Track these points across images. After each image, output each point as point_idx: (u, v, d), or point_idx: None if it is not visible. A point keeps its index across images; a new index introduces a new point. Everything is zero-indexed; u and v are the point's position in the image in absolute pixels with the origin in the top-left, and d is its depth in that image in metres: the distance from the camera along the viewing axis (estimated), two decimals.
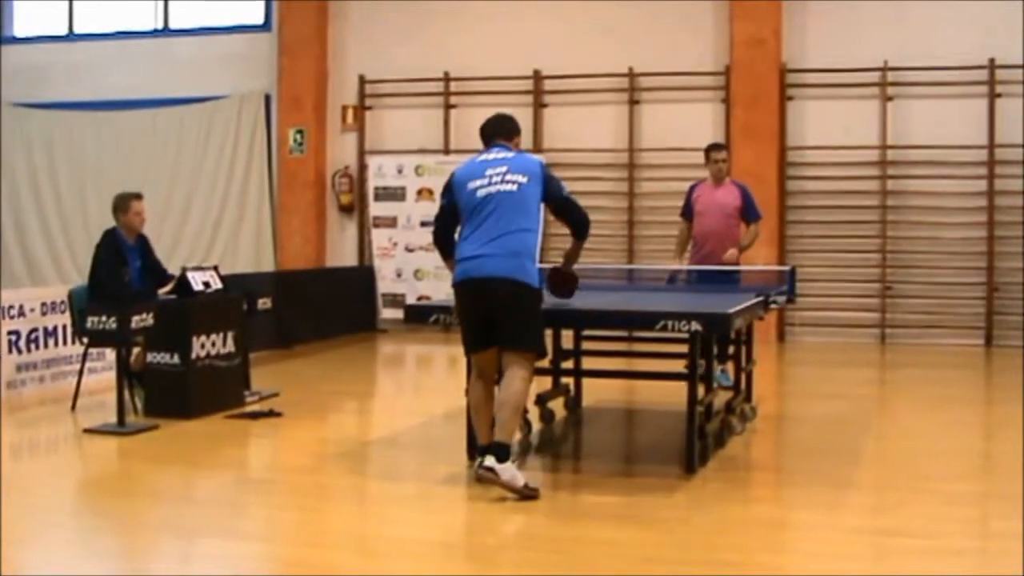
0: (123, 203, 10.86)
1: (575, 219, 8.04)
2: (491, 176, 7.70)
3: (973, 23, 16.38)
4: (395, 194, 18.19)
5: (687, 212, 12.32)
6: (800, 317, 16.84)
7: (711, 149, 12.26)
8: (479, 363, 7.86)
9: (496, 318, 7.59)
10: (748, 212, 12.14)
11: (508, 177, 7.67)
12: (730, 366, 10.30)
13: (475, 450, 8.00)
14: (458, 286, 7.75)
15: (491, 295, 7.55)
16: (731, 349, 10.20)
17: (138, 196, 10.98)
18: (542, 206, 7.83)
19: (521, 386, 7.57)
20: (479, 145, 8.12)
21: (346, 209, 19.20)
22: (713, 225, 12.01)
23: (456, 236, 7.92)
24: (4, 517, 7.00)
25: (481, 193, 7.67)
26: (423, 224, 17.82)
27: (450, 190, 7.92)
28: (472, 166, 7.87)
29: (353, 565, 6.23)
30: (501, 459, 7.34)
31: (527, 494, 7.31)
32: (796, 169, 17.24)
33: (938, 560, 6.25)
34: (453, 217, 7.91)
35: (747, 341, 10.23)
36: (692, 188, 12.38)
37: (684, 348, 8.42)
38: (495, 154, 7.90)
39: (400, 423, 10.55)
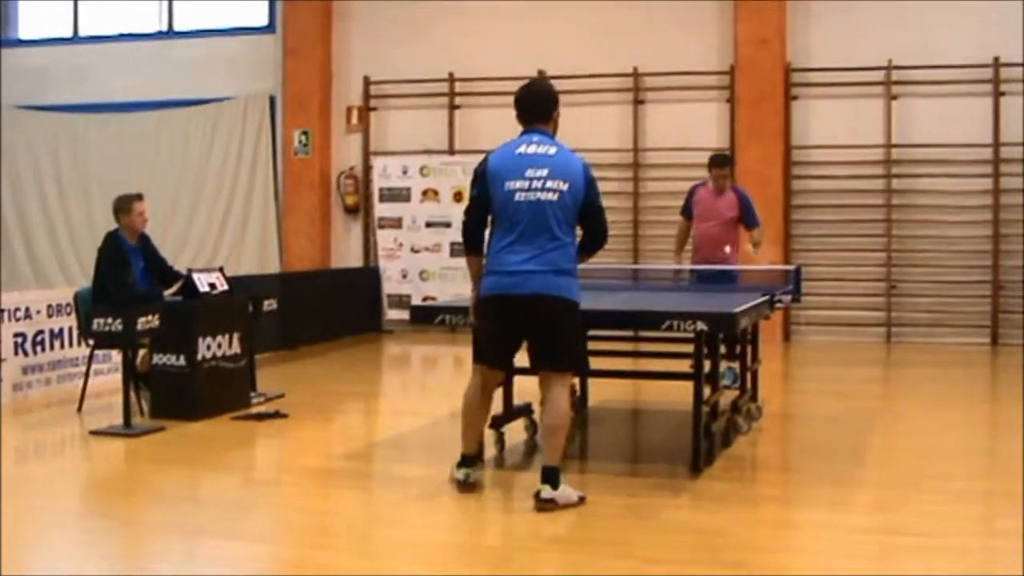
0: (125, 204, 10.85)
1: (595, 232, 7.51)
2: (531, 179, 7.20)
3: (977, 22, 16.37)
4: (400, 195, 18.19)
5: (687, 211, 12.47)
6: (806, 316, 16.85)
7: (712, 164, 12.32)
8: (488, 375, 7.66)
9: (540, 338, 7.33)
10: (747, 219, 12.23)
11: (549, 184, 7.19)
12: (735, 365, 10.32)
13: (464, 456, 7.72)
14: (494, 299, 7.34)
15: (537, 314, 7.21)
16: (736, 348, 10.21)
17: (139, 197, 10.97)
18: None
19: (567, 406, 7.44)
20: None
21: (351, 210, 19.20)
22: (711, 231, 12.16)
23: (487, 234, 7.51)
24: (11, 519, 7.02)
25: (520, 198, 7.20)
26: (428, 225, 17.87)
27: (483, 180, 7.38)
28: (510, 159, 7.34)
29: (358, 566, 6.23)
30: (555, 485, 7.16)
31: (582, 502, 7.25)
32: (801, 168, 17.24)
33: (943, 559, 6.25)
34: (486, 209, 7.38)
35: (753, 340, 10.23)
36: (694, 189, 12.53)
37: (690, 348, 8.40)
38: (535, 147, 7.34)
39: (406, 424, 10.56)
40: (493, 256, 7.36)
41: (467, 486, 7.59)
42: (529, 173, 7.24)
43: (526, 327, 7.33)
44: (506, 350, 7.56)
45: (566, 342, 7.36)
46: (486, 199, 7.36)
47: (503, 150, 7.45)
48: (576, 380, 10.56)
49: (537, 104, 7.56)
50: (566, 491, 7.20)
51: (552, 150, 7.34)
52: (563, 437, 7.37)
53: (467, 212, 7.57)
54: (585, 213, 7.37)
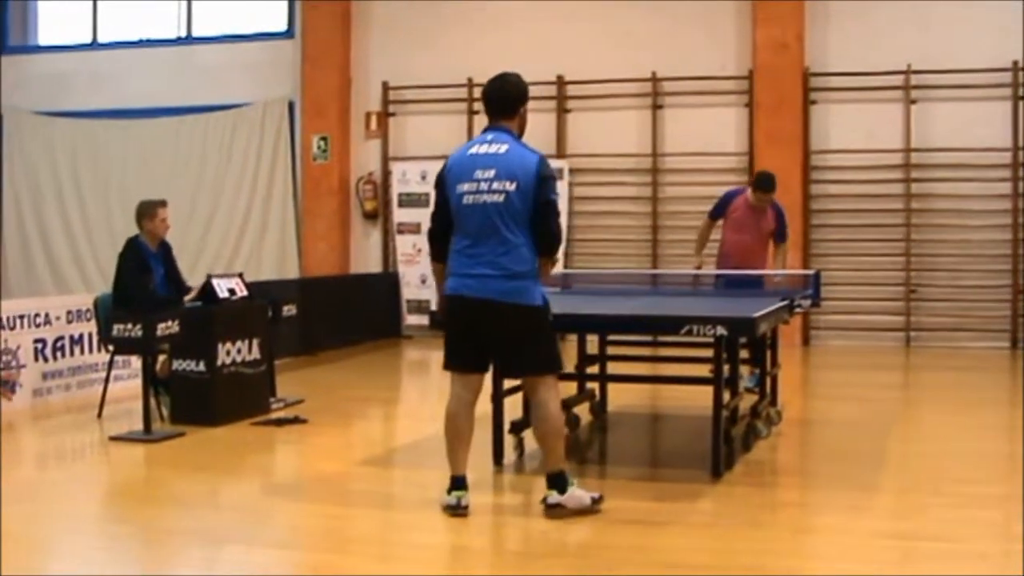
0: (149, 210, 10.90)
1: (545, 229, 7.10)
2: (479, 181, 7.00)
3: (996, 26, 16.33)
4: (419, 200, 18.16)
5: (716, 214, 12.33)
6: (825, 321, 16.82)
7: (759, 188, 12.00)
8: (463, 384, 7.29)
9: (504, 347, 7.15)
10: (779, 234, 12.15)
11: (495, 185, 6.97)
12: (758, 370, 10.32)
13: (455, 479, 7.25)
14: (452, 300, 7.18)
15: (494, 322, 7.05)
16: (758, 353, 10.20)
17: (163, 203, 11.02)
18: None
19: (556, 409, 7.25)
20: None
21: (370, 215, 19.23)
22: (745, 243, 11.97)
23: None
24: (31, 523, 7.06)
25: (468, 200, 7.04)
26: None
27: (442, 184, 7.25)
28: (463, 161, 7.16)
29: (378, 571, 6.24)
30: (562, 490, 7.07)
31: (597, 504, 7.17)
32: (820, 173, 17.21)
33: (962, 563, 6.24)
34: (448, 213, 7.20)
35: (772, 345, 10.22)
36: (731, 196, 12.31)
37: (710, 352, 8.39)
38: (487, 147, 7.11)
39: (425, 429, 10.51)
40: (452, 259, 7.22)
41: (460, 510, 7.15)
42: (478, 174, 7.05)
43: (485, 332, 7.14)
44: (467, 351, 7.25)
45: (527, 347, 7.14)
46: (447, 204, 7.23)
47: (459, 152, 7.31)
48: (596, 385, 10.59)
49: (501, 99, 7.31)
50: (576, 494, 7.12)
51: (503, 148, 7.10)
52: (558, 441, 7.24)
53: (432, 217, 7.42)
54: (536, 209, 7.03)
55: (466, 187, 7.07)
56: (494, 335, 7.12)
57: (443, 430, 7.34)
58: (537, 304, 7.10)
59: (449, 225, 7.23)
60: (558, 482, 7.11)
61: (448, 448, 7.31)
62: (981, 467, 8.87)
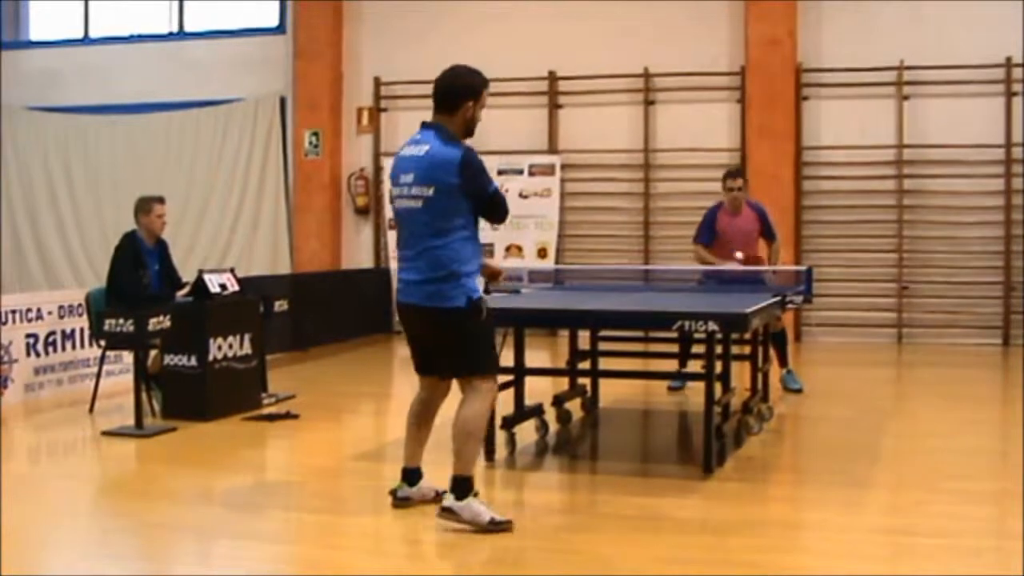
0: (145, 205, 10.92)
1: (496, 216, 6.96)
2: (404, 185, 6.81)
3: (989, 22, 16.33)
4: None
5: (706, 237, 11.99)
6: (817, 317, 16.83)
7: (726, 176, 11.93)
8: (425, 385, 7.27)
9: (431, 349, 7.03)
10: (767, 233, 12.05)
11: (414, 191, 6.73)
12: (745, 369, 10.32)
13: (403, 470, 7.40)
14: (398, 306, 7.10)
15: (420, 326, 6.96)
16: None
17: (161, 200, 11.06)
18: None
19: (470, 412, 6.89)
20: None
21: (362, 211, 19.20)
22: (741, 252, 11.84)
23: None
24: (23, 519, 7.04)
25: (397, 205, 6.90)
26: None
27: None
28: (397, 163, 6.98)
29: (370, 566, 6.24)
30: (459, 496, 6.72)
31: (497, 529, 6.68)
32: (812, 169, 17.22)
33: (955, 560, 6.24)
34: None
35: (764, 341, 10.22)
36: (712, 213, 12.03)
37: (701, 348, 8.38)
38: (414, 148, 6.88)
39: None
40: None
41: (398, 501, 7.24)
42: (402, 179, 6.84)
43: (418, 336, 7.07)
44: (419, 355, 7.18)
45: (452, 350, 6.90)
46: None
47: (400, 150, 7.05)
48: (587, 381, 10.58)
49: (442, 92, 6.99)
50: (472, 506, 6.74)
51: (424, 149, 6.81)
52: (468, 445, 6.90)
53: None
54: (482, 207, 6.83)
55: (395, 192, 6.91)
56: (424, 339, 7.04)
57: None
58: (457, 305, 6.75)
59: None
60: (459, 486, 6.80)
61: (404, 440, 7.39)
62: (974, 463, 8.88)
